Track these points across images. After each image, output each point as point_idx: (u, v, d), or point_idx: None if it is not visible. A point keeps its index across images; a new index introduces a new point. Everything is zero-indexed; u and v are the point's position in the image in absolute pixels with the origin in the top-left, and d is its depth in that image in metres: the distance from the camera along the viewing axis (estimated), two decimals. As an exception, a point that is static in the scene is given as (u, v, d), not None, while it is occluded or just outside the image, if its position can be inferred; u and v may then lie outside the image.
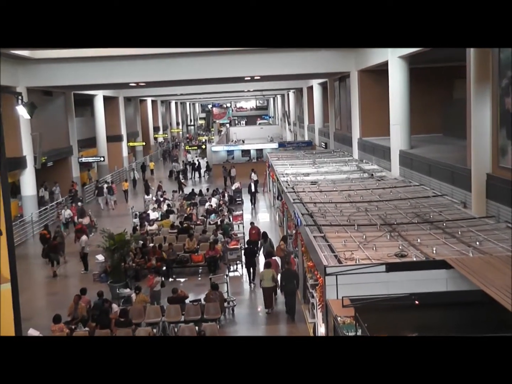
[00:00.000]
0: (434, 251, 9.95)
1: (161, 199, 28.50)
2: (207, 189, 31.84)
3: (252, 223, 20.75)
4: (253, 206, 29.84)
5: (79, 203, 29.03)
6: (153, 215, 24.91)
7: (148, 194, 30.78)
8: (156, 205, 26.95)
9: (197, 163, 45.04)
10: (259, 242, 19.13)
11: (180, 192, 33.17)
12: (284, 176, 21.63)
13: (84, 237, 20.51)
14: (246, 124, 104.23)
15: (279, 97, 79.39)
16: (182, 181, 38.31)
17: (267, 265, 15.45)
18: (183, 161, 47.12)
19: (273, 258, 16.46)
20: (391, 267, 9.12)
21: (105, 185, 33.12)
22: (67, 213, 26.26)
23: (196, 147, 55.55)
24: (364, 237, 11.29)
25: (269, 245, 18.76)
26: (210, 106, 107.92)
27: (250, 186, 30.44)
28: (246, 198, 30.67)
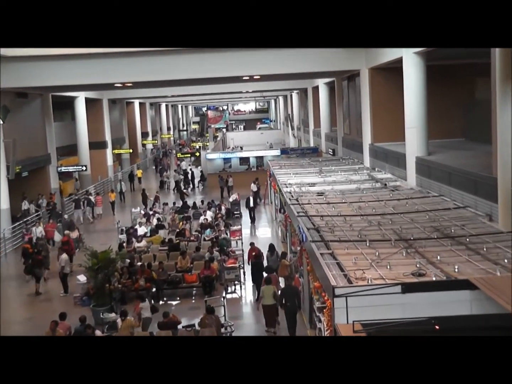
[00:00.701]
0: (456, 270, 9.91)
1: (151, 212, 28.52)
2: (202, 201, 31.85)
3: (252, 244, 20.56)
4: (252, 223, 29.72)
5: (65, 217, 29.07)
6: (142, 230, 24.90)
7: (146, 206, 30.93)
8: (144, 219, 26.94)
9: (190, 172, 45.13)
10: (266, 255, 19.32)
11: (179, 204, 33.41)
12: (287, 187, 21.65)
13: (64, 256, 20.47)
14: (245, 128, 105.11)
15: (281, 98, 79.72)
16: (185, 191, 38.54)
17: (268, 281, 15.51)
18: (175, 170, 47.18)
19: (273, 274, 16.58)
20: (408, 288, 9.08)
21: (90, 197, 33.24)
22: (38, 230, 25.72)
23: (189, 155, 55.64)
24: (377, 254, 11.27)
25: (276, 258, 18.89)
26: (204, 109, 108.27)
27: (248, 200, 30.26)
28: (245, 211, 30.69)
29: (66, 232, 24.54)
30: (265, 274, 16.85)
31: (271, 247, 19.30)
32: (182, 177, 43.68)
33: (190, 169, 46.60)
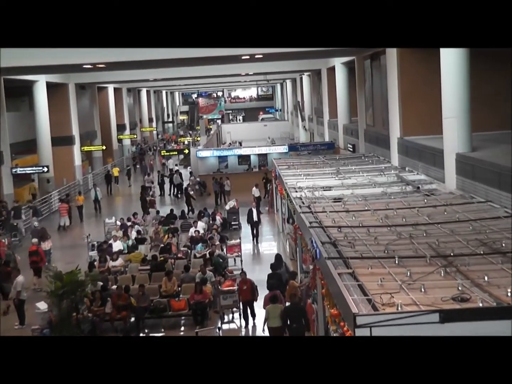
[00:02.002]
0: (509, 294, 9.81)
1: (129, 223, 28.50)
2: (192, 210, 31.79)
3: (243, 275, 19.66)
4: (255, 242, 29.41)
5: (35, 224, 29.12)
6: (117, 245, 24.85)
7: (148, 214, 32.08)
8: (121, 232, 26.83)
9: (177, 173, 45.14)
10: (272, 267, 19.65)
11: (189, 210, 34.16)
12: (297, 191, 21.71)
13: (19, 278, 20.38)
14: (244, 120, 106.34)
15: (288, 83, 79.79)
16: (191, 193, 38.26)
17: (274, 299, 15.64)
18: (159, 172, 47.13)
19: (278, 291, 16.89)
20: (448, 316, 8.98)
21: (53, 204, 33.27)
22: None
23: (175, 152, 55.55)
24: (408, 274, 11.19)
25: (285, 271, 19.17)
26: (194, 96, 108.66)
27: (250, 213, 29.77)
28: (247, 225, 30.56)
29: (34, 240, 24.54)
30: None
31: (278, 258, 19.55)
32: (180, 181, 43.52)
33: (177, 170, 46.65)
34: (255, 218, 29.61)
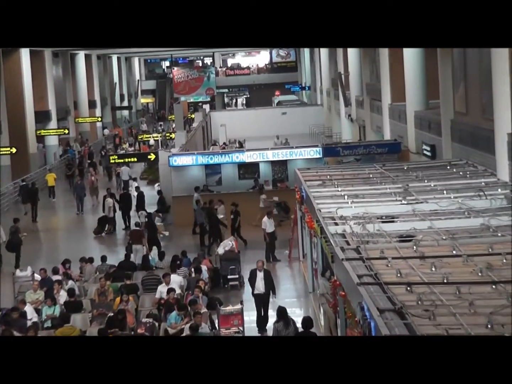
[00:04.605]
0: None
1: (56, 277, 20.80)
2: (161, 254, 23.08)
3: None
4: (260, 329, 19.59)
5: None
6: (32, 313, 18.27)
7: (87, 261, 22.60)
8: (41, 292, 19.48)
9: (135, 192, 32.60)
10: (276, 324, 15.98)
11: (160, 256, 23.75)
12: (337, 224, 16.52)
13: None
14: (249, 104, 77.77)
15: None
16: (159, 224, 28.35)
17: None
18: (108, 192, 32.36)
19: None
20: None
21: None
22: None
23: (134, 159, 38.30)
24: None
25: (293, 331, 15.77)
26: (166, 65, 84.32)
27: (253, 275, 19.69)
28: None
29: None
30: None
31: (282, 312, 15.82)
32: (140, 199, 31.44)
33: (137, 187, 33.64)
34: (261, 288, 19.81)
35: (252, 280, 19.57)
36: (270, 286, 19.43)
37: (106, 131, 63.65)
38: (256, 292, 19.82)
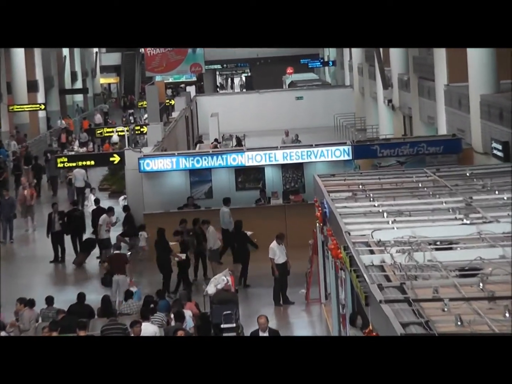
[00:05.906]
0: None
1: None
2: (129, 293, 17.42)
3: None
4: None
5: None
6: None
7: (28, 305, 16.59)
8: None
9: (93, 207, 26.14)
10: None
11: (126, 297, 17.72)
12: (372, 251, 13.49)
13: None
14: (250, 86, 62.93)
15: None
16: (129, 254, 21.99)
17: None
18: (55, 211, 24.90)
19: None
20: None
21: None
22: None
23: (91, 161, 29.01)
24: None
25: None
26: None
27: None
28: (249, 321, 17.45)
29: None
30: None
31: None
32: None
33: (96, 199, 27.14)
34: None
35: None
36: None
37: (59, 123, 49.64)
38: None
